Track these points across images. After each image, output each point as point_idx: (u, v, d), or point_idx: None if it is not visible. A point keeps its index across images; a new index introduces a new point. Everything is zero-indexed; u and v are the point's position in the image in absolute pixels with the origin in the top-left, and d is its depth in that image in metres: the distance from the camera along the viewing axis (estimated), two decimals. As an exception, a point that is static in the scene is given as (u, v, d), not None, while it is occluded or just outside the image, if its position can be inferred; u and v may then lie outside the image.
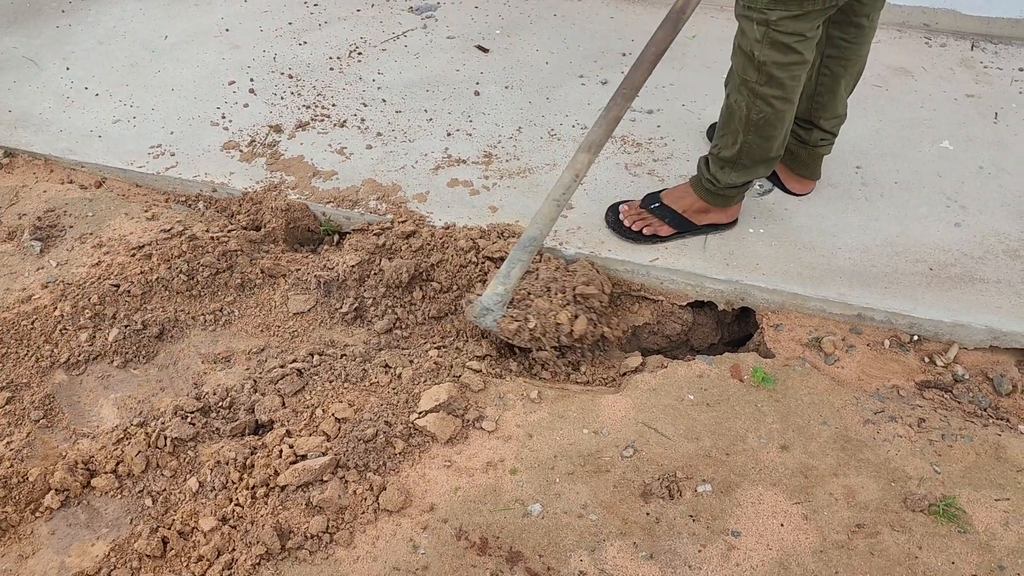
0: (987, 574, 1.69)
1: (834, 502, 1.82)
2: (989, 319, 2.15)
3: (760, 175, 2.23)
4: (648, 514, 1.80)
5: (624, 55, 3.17)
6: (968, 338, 2.16)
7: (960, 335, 2.16)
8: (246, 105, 2.97)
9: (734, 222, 2.39)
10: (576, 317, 2.12)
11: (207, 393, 2.05)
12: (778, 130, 2.08)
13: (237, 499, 1.82)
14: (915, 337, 2.19)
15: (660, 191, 2.40)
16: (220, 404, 2.02)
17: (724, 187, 2.22)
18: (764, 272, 2.28)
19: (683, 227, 2.34)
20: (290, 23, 3.42)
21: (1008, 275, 2.26)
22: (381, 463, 1.89)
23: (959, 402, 2.06)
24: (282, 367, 2.07)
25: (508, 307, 2.10)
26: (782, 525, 1.78)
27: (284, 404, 2.00)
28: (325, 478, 1.84)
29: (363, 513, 1.80)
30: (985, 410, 2.04)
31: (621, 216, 2.37)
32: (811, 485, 1.85)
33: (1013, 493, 1.83)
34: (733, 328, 2.46)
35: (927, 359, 2.15)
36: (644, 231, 2.33)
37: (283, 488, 1.82)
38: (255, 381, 2.06)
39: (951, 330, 2.16)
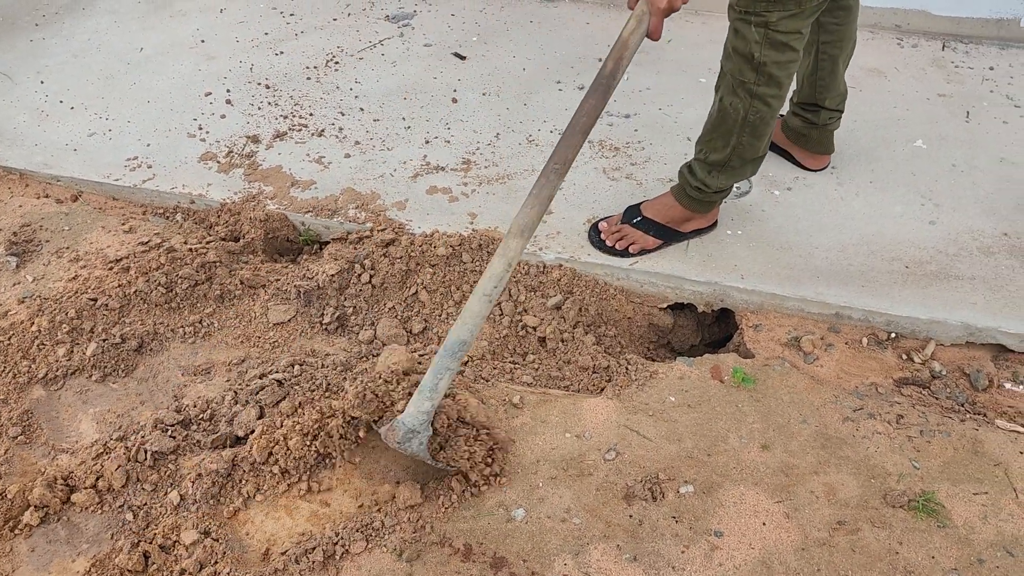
0: (967, 568, 1.71)
1: (815, 500, 1.83)
2: (965, 315, 2.17)
3: (747, 176, 2.25)
4: (631, 516, 1.81)
5: (600, 60, 3.18)
6: (944, 334, 2.18)
7: (937, 332, 2.19)
8: (223, 116, 2.96)
9: (715, 224, 2.41)
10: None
11: (187, 406, 2.04)
12: (770, 128, 2.12)
13: (220, 511, 1.81)
14: (892, 335, 2.21)
15: (640, 204, 2.41)
16: (201, 416, 2.01)
17: (713, 192, 2.24)
18: (743, 273, 2.30)
19: (669, 238, 2.36)
20: (266, 33, 3.42)
21: (982, 271, 2.29)
22: (364, 472, 1.89)
23: (937, 398, 2.08)
24: (262, 378, 2.07)
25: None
26: (764, 524, 1.79)
27: (264, 415, 1.99)
28: (307, 488, 1.83)
29: (346, 522, 1.80)
30: (962, 405, 2.06)
31: (603, 236, 2.37)
32: (792, 483, 1.87)
33: (991, 487, 1.85)
34: (713, 329, 2.47)
35: (905, 356, 2.18)
36: (631, 249, 2.34)
37: (265, 499, 1.82)
38: (235, 392, 2.05)
39: (928, 327, 2.18)
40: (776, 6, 1.90)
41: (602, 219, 2.43)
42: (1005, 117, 2.85)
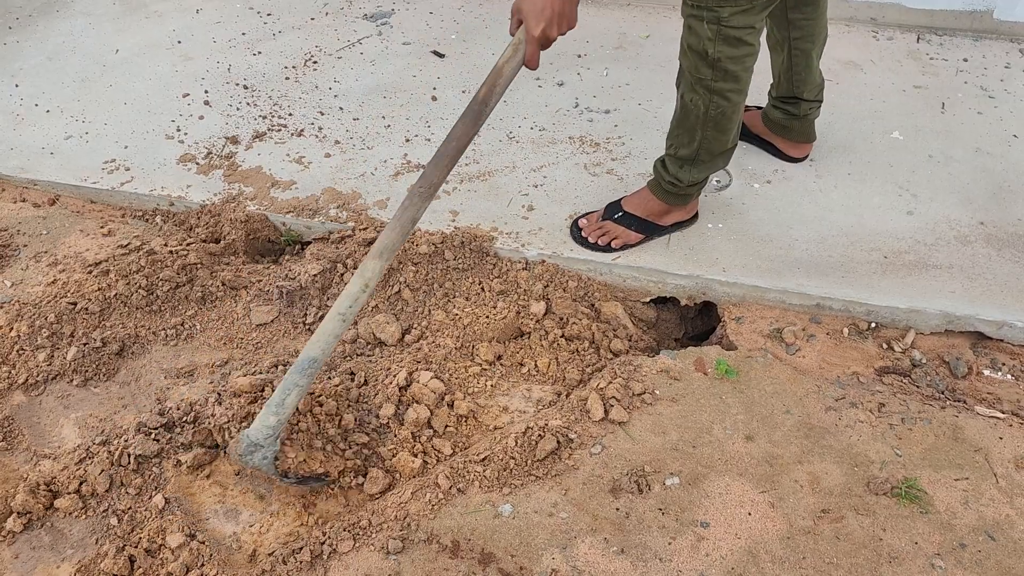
0: (949, 552, 1.73)
1: (799, 489, 1.85)
2: (943, 304, 2.19)
3: (719, 168, 2.26)
4: (618, 510, 1.81)
5: (579, 56, 3.19)
6: (924, 323, 2.21)
7: (916, 321, 2.21)
8: (201, 117, 2.94)
9: (695, 216, 2.42)
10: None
11: (170, 408, 2.02)
12: (733, 122, 2.12)
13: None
14: (873, 324, 2.23)
15: (620, 199, 2.42)
16: (184, 419, 2.00)
17: (687, 186, 2.24)
18: (724, 266, 2.31)
19: (650, 231, 2.36)
20: (243, 33, 3.40)
21: (960, 260, 2.32)
22: (350, 471, 1.89)
23: (917, 386, 2.10)
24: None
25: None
26: (749, 514, 1.80)
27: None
28: (294, 489, 1.83)
29: (333, 522, 1.79)
30: (942, 393, 2.08)
31: (584, 233, 2.38)
32: (776, 473, 1.88)
33: (971, 472, 1.88)
34: (696, 323, 2.48)
35: (885, 345, 2.20)
36: (613, 244, 2.35)
37: (251, 501, 1.81)
38: (219, 394, 2.04)
39: (907, 316, 2.21)
40: (727, 1, 1.88)
41: (582, 216, 2.43)
42: (979, 108, 2.88)
